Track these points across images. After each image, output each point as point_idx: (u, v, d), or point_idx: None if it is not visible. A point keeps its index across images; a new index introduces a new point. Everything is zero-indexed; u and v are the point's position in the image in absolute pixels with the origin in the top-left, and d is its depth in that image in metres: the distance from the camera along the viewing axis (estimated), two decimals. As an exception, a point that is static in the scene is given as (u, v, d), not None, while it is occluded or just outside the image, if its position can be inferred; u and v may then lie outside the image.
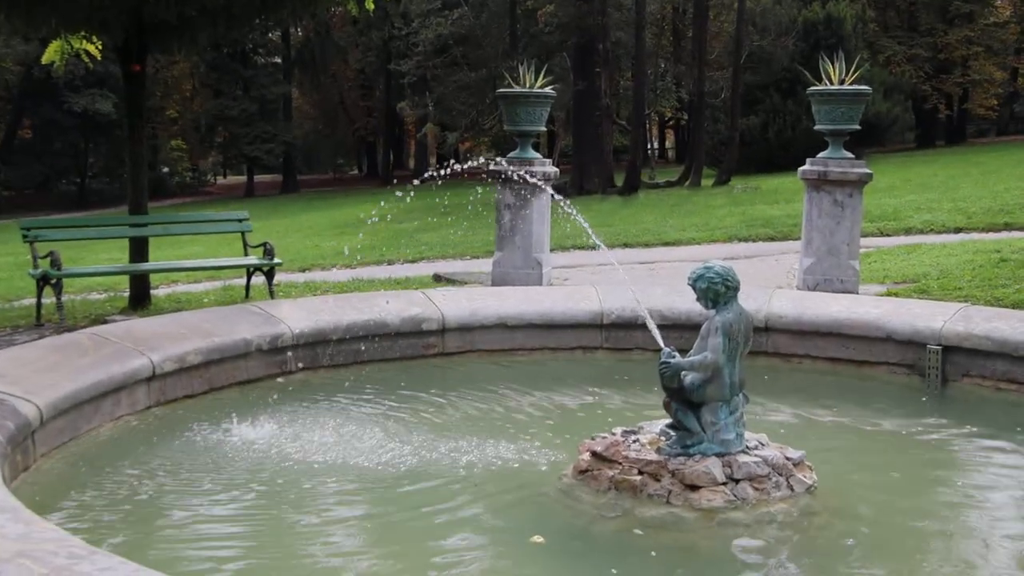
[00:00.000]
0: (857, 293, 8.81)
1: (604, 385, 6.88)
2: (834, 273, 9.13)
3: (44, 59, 10.87)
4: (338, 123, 54.94)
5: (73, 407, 5.41)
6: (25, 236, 9.32)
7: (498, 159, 9.56)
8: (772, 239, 15.30)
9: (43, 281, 9.05)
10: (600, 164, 29.66)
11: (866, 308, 7.29)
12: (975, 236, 13.72)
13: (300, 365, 6.94)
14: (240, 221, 10.50)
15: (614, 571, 3.94)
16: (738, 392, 4.64)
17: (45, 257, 9.11)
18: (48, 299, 9.23)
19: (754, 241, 15.29)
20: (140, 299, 9.72)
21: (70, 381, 5.43)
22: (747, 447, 4.64)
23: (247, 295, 10.17)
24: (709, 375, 4.55)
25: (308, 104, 57.42)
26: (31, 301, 9.83)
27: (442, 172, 5.72)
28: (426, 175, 6.18)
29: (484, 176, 9.83)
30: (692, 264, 4.87)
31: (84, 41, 10.11)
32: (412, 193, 6.33)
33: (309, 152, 59.18)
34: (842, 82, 9.18)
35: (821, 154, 9.35)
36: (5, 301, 11.19)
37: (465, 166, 5.92)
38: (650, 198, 25.00)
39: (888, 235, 14.70)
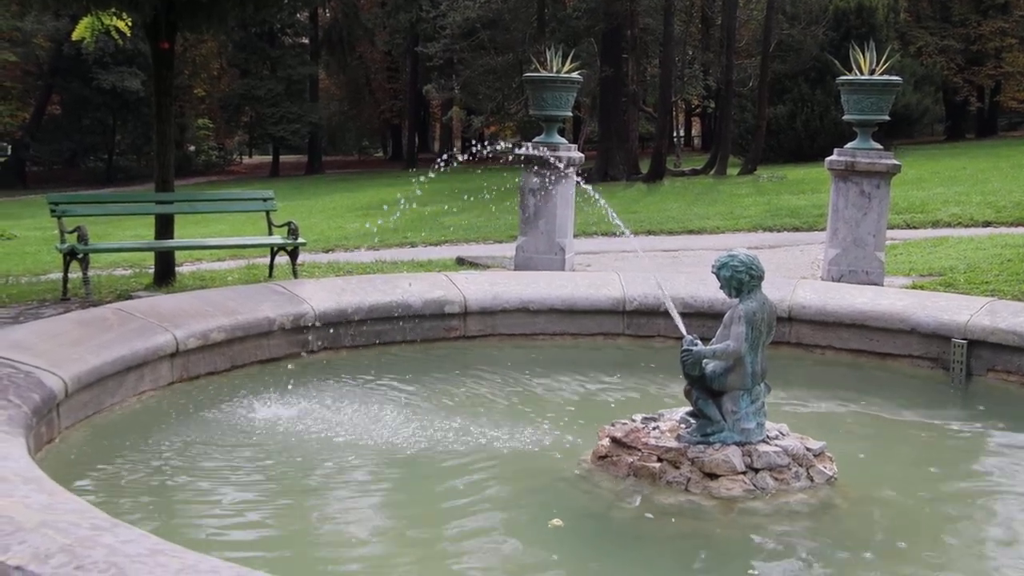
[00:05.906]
0: (882, 285, 8.74)
1: (625, 371, 6.86)
2: (859, 264, 9.07)
3: (74, 35, 10.94)
4: (364, 105, 54.94)
5: (97, 381, 5.45)
6: (53, 211, 9.40)
7: (524, 143, 9.53)
8: (797, 229, 15.21)
9: (70, 256, 9.13)
10: (625, 151, 29.56)
11: (891, 300, 7.22)
12: (1004, 230, 13.59)
13: (322, 344, 6.97)
14: (265, 200, 10.55)
15: (631, 557, 3.94)
16: (760, 381, 4.61)
17: (72, 232, 9.19)
18: (74, 274, 9.32)
19: (779, 231, 15.22)
20: (165, 276, 9.80)
21: (95, 355, 5.47)
22: (767, 437, 4.62)
23: (271, 274, 10.23)
24: (731, 364, 4.53)
25: (334, 85, 57.40)
26: (58, 275, 9.93)
27: (464, 155, 5.72)
28: (453, 154, 6.16)
29: (515, 159, 9.81)
30: (716, 252, 4.84)
31: (114, 18, 10.17)
32: (440, 168, 6.33)
33: (334, 133, 59.21)
34: (872, 72, 9.08)
35: (849, 144, 9.28)
36: (32, 275, 11.32)
37: (488, 142, 5.91)
38: (675, 186, 24.89)
39: (915, 227, 14.58)
